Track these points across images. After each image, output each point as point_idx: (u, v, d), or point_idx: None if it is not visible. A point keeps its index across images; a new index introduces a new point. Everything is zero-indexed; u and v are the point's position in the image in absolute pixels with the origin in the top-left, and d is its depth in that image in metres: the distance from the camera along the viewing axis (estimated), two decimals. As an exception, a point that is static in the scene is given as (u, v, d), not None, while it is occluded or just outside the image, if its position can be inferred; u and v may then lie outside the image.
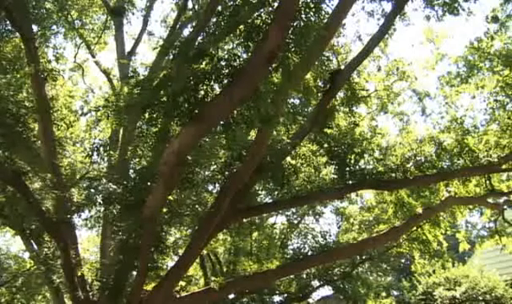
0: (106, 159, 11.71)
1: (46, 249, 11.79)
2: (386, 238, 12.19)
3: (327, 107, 10.70)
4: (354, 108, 12.15)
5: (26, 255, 18.26)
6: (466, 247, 15.33)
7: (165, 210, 9.25)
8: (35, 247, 12.98)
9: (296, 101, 11.22)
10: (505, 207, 13.05)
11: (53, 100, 11.26)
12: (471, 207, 13.64)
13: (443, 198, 12.20)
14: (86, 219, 11.85)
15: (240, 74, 6.89)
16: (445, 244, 14.72)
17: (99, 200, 10.43)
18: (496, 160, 10.93)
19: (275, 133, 10.10)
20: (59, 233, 10.56)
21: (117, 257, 9.74)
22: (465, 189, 12.27)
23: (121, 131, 12.38)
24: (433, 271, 16.47)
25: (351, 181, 10.95)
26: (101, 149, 10.80)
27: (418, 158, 11.44)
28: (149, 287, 10.29)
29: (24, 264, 20.15)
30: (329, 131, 11.16)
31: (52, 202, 10.91)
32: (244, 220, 13.14)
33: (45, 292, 20.00)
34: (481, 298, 15.01)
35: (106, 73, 15.03)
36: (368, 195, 15.92)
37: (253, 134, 9.55)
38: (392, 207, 13.28)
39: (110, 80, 14.90)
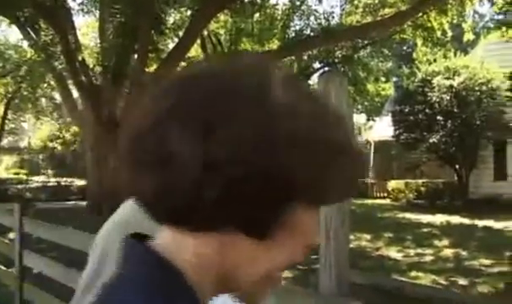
0: None
1: (44, 36, 11.65)
2: (391, 22, 11.96)
3: None
4: None
5: (25, 44, 18.14)
6: (471, 38, 15.10)
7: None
8: (33, 35, 12.80)
9: None
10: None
11: None
12: (482, -6, 13.10)
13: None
14: (82, 4, 11.51)
15: None
16: (450, 33, 14.49)
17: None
18: None
19: None
20: (56, 19, 10.34)
21: (117, 40, 9.57)
22: (480, -27, 11.65)
23: None
24: (434, 60, 16.44)
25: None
26: None
27: None
28: (151, 69, 10.36)
29: (24, 54, 20.17)
30: None
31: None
32: (245, 0, 12.63)
33: (49, 80, 20.37)
34: (477, 88, 15.23)
35: None
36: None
37: None
38: (399, -10, 12.79)
39: None
